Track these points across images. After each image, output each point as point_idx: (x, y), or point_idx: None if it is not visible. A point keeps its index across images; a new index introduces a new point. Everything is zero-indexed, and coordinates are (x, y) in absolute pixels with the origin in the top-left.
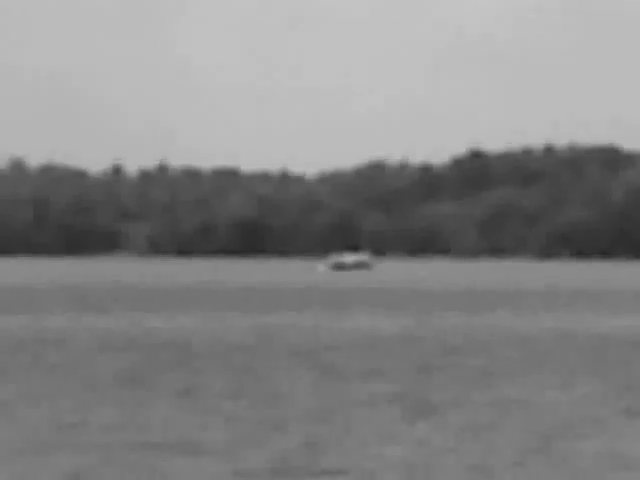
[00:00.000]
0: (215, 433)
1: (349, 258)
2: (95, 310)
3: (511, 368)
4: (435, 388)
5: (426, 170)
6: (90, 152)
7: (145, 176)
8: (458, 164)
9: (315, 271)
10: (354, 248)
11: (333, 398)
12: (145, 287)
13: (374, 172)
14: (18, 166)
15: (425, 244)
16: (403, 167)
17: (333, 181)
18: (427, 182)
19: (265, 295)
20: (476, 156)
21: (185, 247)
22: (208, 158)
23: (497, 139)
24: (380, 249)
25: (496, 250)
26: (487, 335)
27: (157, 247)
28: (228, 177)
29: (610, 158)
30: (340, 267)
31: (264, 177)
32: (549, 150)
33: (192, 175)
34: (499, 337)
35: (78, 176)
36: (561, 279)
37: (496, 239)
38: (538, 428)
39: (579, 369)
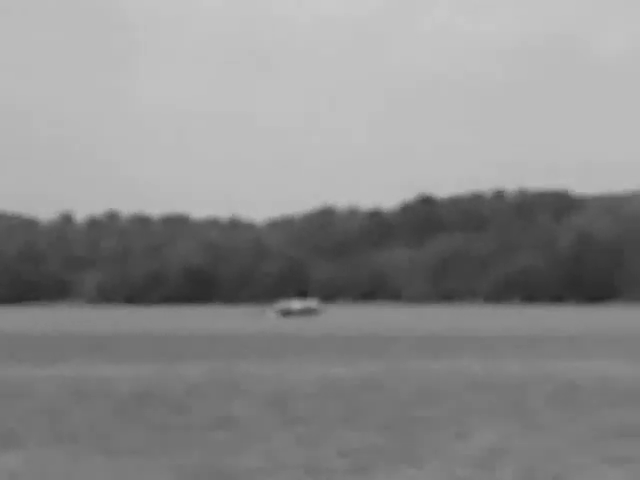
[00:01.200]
0: None
1: (296, 304)
2: (45, 358)
3: (479, 415)
4: (410, 437)
5: (376, 216)
6: (40, 199)
7: (95, 224)
8: (408, 210)
9: (263, 318)
10: (303, 295)
11: (312, 449)
12: (95, 335)
13: (324, 218)
14: None
15: (375, 290)
16: (353, 213)
17: (283, 228)
18: (377, 228)
19: (215, 341)
20: (426, 202)
21: (135, 295)
22: (158, 204)
23: (447, 185)
24: (329, 295)
25: (446, 295)
26: (445, 381)
27: (107, 295)
28: (178, 224)
29: (560, 203)
30: (287, 313)
31: (214, 223)
32: (499, 195)
33: (142, 222)
34: (459, 383)
35: (28, 224)
36: (511, 324)
37: (446, 285)
38: (522, 475)
39: (546, 414)
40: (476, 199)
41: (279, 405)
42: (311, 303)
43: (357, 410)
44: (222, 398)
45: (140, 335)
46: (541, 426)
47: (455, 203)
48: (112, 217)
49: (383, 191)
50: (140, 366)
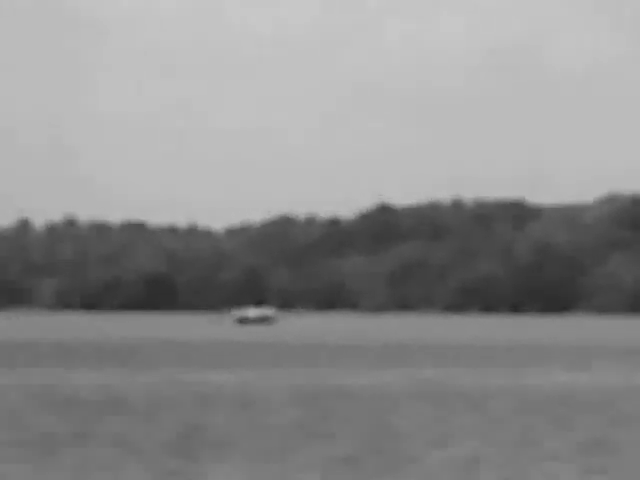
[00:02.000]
0: None
1: (252, 312)
2: (3, 365)
3: (450, 423)
4: (384, 446)
5: (334, 224)
6: None
7: (52, 230)
8: (366, 218)
9: (221, 325)
10: (261, 303)
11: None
12: (52, 342)
13: (282, 226)
14: None
15: (333, 298)
16: (311, 221)
17: (241, 235)
18: (335, 236)
19: (173, 349)
20: (384, 210)
21: (93, 301)
22: (117, 211)
23: (405, 193)
24: (288, 304)
25: (404, 304)
26: (405, 389)
27: (65, 302)
28: (136, 231)
29: (517, 212)
30: (243, 321)
31: (172, 231)
32: (457, 204)
33: (100, 229)
34: (418, 391)
35: None
36: (469, 334)
37: (404, 293)
38: None
39: (510, 425)
40: (434, 208)
41: (245, 413)
42: (267, 311)
43: (324, 419)
44: (187, 406)
45: (98, 342)
46: (508, 438)
47: (413, 212)
48: (70, 223)
49: (342, 200)
50: (99, 373)
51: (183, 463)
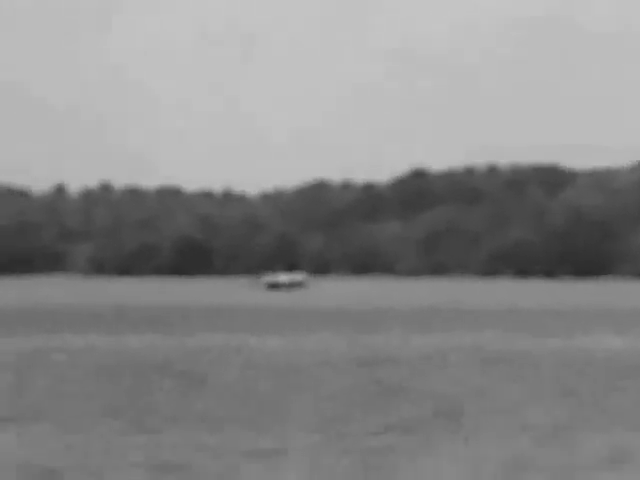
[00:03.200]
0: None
1: (283, 277)
2: (42, 330)
3: (486, 389)
4: (447, 412)
5: (368, 189)
6: (33, 170)
7: (88, 196)
8: (400, 184)
9: (253, 290)
10: (294, 268)
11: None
12: (89, 307)
13: (316, 192)
14: None
15: (367, 264)
16: (345, 187)
17: (275, 201)
18: (369, 201)
19: (208, 314)
20: (418, 175)
21: (128, 267)
22: (152, 176)
23: (439, 159)
24: (322, 269)
25: (438, 269)
26: (445, 354)
27: (100, 267)
28: (171, 196)
29: (551, 178)
30: (274, 286)
31: (207, 196)
32: (491, 170)
33: (135, 194)
34: (464, 356)
35: (20, 195)
36: (503, 298)
37: (438, 258)
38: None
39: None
40: (468, 173)
41: (293, 379)
42: (298, 276)
43: (374, 385)
44: (232, 369)
45: (133, 307)
46: (570, 403)
47: (447, 177)
48: (105, 189)
49: (376, 165)
50: (136, 337)
51: (249, 433)
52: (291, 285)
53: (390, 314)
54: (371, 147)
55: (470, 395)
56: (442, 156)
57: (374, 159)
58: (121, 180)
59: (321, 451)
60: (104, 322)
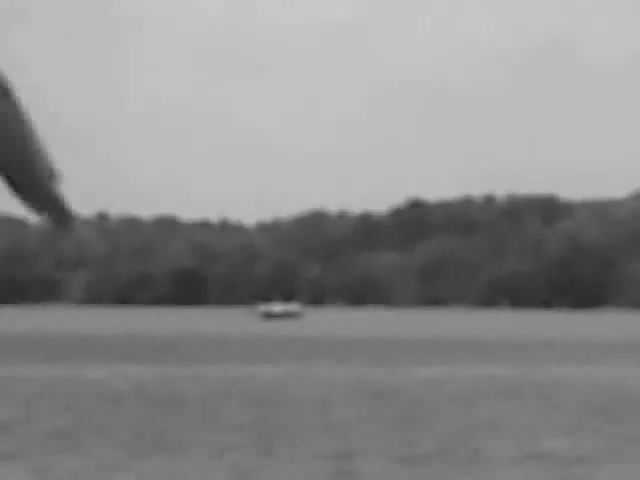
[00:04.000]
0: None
1: (278, 307)
2: (36, 359)
3: (500, 421)
4: (458, 443)
5: (365, 219)
6: None
7: (84, 224)
8: (397, 213)
9: (244, 320)
10: (291, 298)
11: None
12: (85, 336)
13: (313, 221)
14: None
15: (364, 294)
16: (342, 217)
17: (272, 230)
18: (366, 231)
19: (203, 344)
20: (415, 206)
21: (124, 296)
22: (148, 206)
23: (436, 189)
24: (319, 299)
25: (435, 300)
26: (446, 387)
27: (96, 296)
28: (167, 226)
29: (548, 208)
30: (269, 316)
31: (204, 225)
32: (488, 200)
33: (131, 223)
34: (466, 389)
35: (16, 224)
36: (502, 328)
37: (435, 288)
38: None
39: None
40: (466, 203)
41: (293, 409)
42: (293, 306)
43: (375, 416)
44: (220, 401)
45: (129, 336)
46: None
47: (445, 207)
48: (102, 218)
49: (373, 195)
50: (131, 367)
51: (263, 461)
52: (286, 315)
53: (388, 345)
54: (368, 177)
55: (483, 427)
56: (439, 186)
57: (371, 189)
58: (117, 209)
59: None
60: (100, 351)
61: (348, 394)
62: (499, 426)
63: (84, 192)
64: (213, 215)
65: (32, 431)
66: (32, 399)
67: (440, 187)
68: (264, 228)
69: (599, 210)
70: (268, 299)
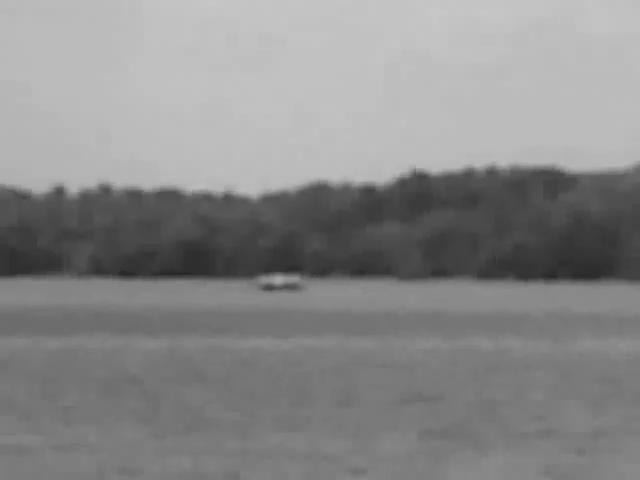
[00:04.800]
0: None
1: (278, 279)
2: (39, 331)
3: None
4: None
5: (369, 191)
6: (31, 172)
7: (87, 197)
8: (401, 185)
9: (245, 292)
10: (297, 270)
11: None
12: (89, 308)
13: (317, 193)
14: None
15: (368, 266)
16: (346, 188)
17: (277, 202)
18: (370, 203)
19: (206, 315)
20: (419, 177)
21: (128, 268)
22: (151, 178)
23: (440, 161)
24: (323, 270)
25: (439, 272)
26: (448, 357)
27: (99, 268)
28: (171, 198)
29: (552, 180)
30: (269, 288)
31: (208, 198)
32: (491, 172)
33: (135, 196)
34: (468, 362)
35: (20, 197)
36: (505, 301)
37: (439, 261)
38: None
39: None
40: (469, 176)
41: (301, 381)
42: (293, 278)
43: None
44: (232, 373)
45: (133, 308)
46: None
47: (448, 179)
48: (105, 190)
49: (377, 167)
50: (137, 339)
51: (286, 435)
52: (286, 287)
53: (389, 317)
54: (371, 149)
55: (500, 401)
56: (442, 158)
57: (374, 161)
58: (120, 182)
59: (365, 456)
60: (105, 323)
61: (349, 366)
62: (515, 400)
63: (87, 165)
64: (217, 187)
65: (46, 406)
66: (39, 371)
67: (443, 159)
68: (268, 200)
69: (603, 182)
70: (271, 271)
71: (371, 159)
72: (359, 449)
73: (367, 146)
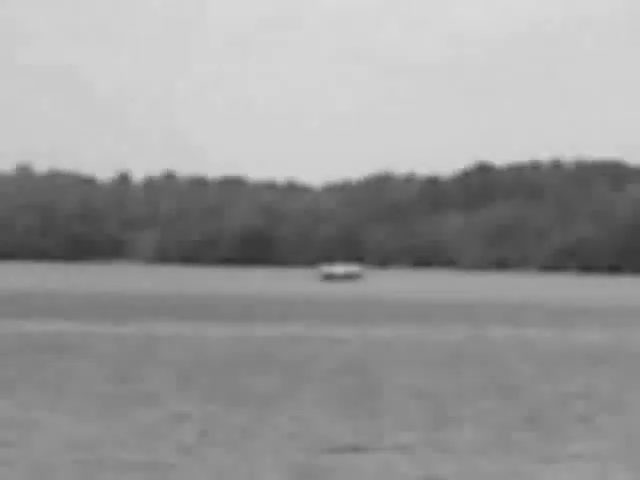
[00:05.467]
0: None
1: (339, 269)
2: (103, 317)
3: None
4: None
5: (432, 182)
6: (98, 159)
7: (152, 184)
8: (465, 177)
9: (305, 281)
10: (358, 260)
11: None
12: (153, 294)
13: (380, 184)
14: (25, 171)
15: (430, 256)
16: (409, 179)
17: (339, 192)
18: (433, 194)
19: (269, 304)
20: (483, 169)
21: (191, 255)
22: (215, 166)
23: (504, 153)
24: (385, 261)
25: (501, 263)
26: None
27: (163, 255)
28: (234, 186)
29: (616, 173)
30: (330, 277)
31: (270, 186)
32: (556, 165)
33: (199, 184)
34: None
35: (85, 183)
36: (566, 294)
37: (501, 252)
38: None
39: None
40: (533, 168)
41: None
42: (353, 268)
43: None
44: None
45: (196, 295)
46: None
47: (512, 171)
48: (169, 178)
49: (441, 158)
50: (203, 326)
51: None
52: (346, 276)
53: (449, 308)
54: (435, 140)
55: (574, 394)
56: (507, 150)
57: (438, 152)
58: (185, 169)
59: (440, 448)
60: (168, 310)
61: (427, 357)
62: (591, 393)
63: (153, 153)
64: (280, 176)
65: (126, 391)
66: (110, 355)
67: (507, 151)
68: (331, 190)
69: None
70: (332, 260)
71: (434, 150)
72: (432, 441)
73: (430, 137)
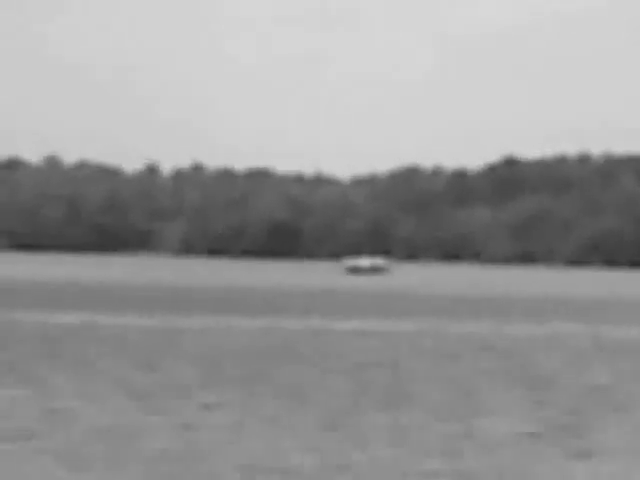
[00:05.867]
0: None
1: (364, 262)
2: (128, 309)
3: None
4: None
5: (460, 176)
6: (126, 150)
7: (179, 175)
8: (492, 171)
9: (329, 274)
10: (385, 253)
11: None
12: (179, 286)
13: (408, 176)
14: (52, 162)
15: (457, 250)
16: (437, 173)
17: (367, 185)
18: (460, 188)
19: (300, 297)
20: (510, 163)
21: (217, 247)
22: (242, 158)
23: (531, 146)
24: (412, 254)
25: (528, 257)
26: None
27: (190, 247)
28: (261, 178)
29: None
30: (355, 271)
31: (298, 178)
32: (583, 158)
33: (226, 175)
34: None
35: (112, 174)
36: (593, 288)
37: (528, 246)
38: None
39: None
40: (560, 161)
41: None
42: (379, 261)
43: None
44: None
45: (223, 287)
46: None
47: (539, 165)
48: (197, 170)
49: (468, 152)
50: (228, 318)
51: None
52: (372, 270)
53: (477, 302)
54: (462, 133)
55: (608, 388)
56: (534, 143)
57: (465, 146)
58: (212, 161)
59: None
60: (194, 302)
61: (461, 350)
62: (622, 387)
63: (179, 144)
64: (307, 168)
65: (158, 385)
66: (137, 346)
67: (534, 145)
68: (358, 182)
69: None
70: (359, 253)
71: (462, 143)
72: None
73: (457, 130)
